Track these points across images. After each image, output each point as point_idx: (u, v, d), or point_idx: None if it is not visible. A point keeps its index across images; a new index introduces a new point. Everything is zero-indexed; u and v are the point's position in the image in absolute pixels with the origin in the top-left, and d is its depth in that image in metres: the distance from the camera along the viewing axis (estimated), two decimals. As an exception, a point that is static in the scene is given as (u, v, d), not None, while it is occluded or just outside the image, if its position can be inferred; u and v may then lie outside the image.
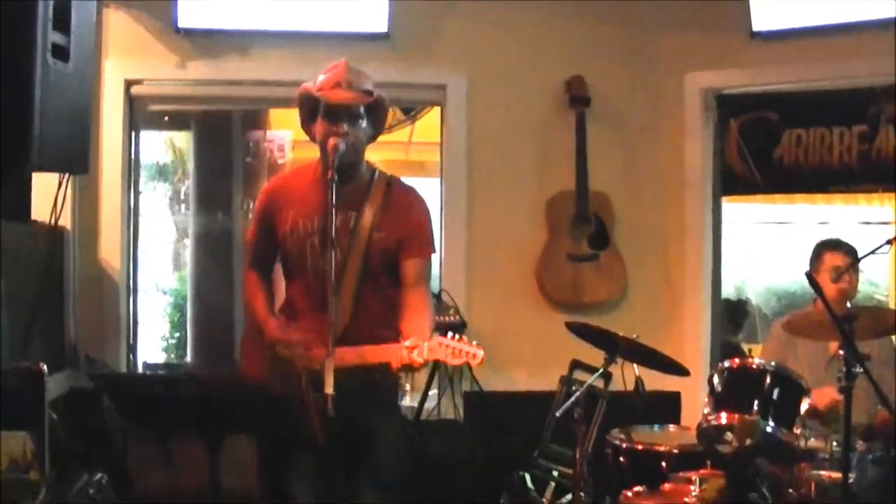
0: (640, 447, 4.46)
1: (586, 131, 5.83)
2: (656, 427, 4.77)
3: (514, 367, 5.79)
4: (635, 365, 4.63)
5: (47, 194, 4.67)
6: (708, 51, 5.90)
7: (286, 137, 7.85)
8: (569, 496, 4.44)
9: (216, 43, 5.84)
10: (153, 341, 8.15)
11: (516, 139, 5.99)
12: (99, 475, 3.93)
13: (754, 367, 4.23)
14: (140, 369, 6.26)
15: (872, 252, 4.64)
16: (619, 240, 5.91)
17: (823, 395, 4.54)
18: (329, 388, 3.41)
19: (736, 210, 7.07)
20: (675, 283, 6.03)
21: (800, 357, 4.93)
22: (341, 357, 3.50)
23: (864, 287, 5.16)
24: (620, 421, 4.63)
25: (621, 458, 4.46)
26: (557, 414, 4.21)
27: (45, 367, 3.64)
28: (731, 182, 5.98)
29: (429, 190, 6.19)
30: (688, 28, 5.87)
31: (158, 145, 8.17)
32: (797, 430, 4.09)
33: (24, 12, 3.78)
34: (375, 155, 4.17)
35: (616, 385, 4.34)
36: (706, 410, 4.15)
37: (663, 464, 4.33)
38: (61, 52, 4.02)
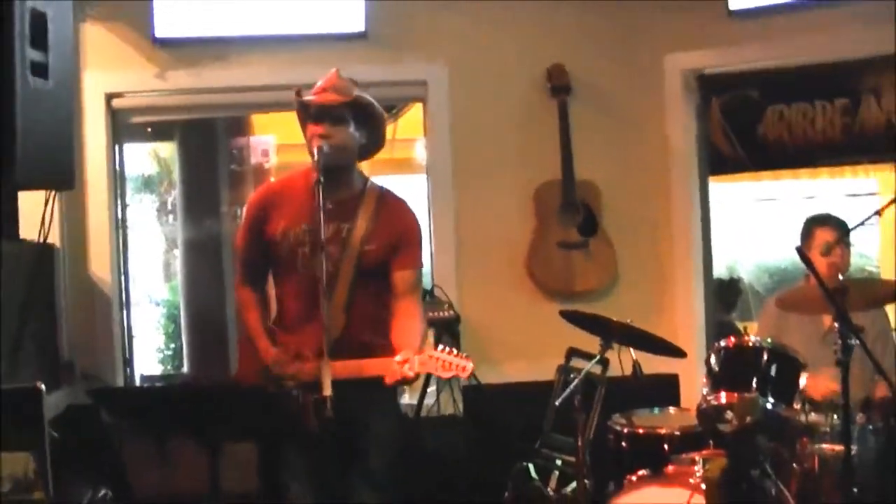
0: (641, 431, 4.47)
1: (569, 119, 5.83)
2: (656, 410, 4.78)
3: (509, 358, 5.81)
4: (632, 349, 4.65)
5: (34, 212, 4.66)
6: (687, 32, 5.90)
7: (270, 142, 7.84)
8: (573, 484, 4.44)
9: (194, 51, 5.83)
10: (148, 353, 8.14)
11: (500, 130, 5.99)
12: (103, 491, 3.93)
13: (750, 344, 4.22)
14: (137, 382, 6.25)
15: (861, 224, 4.65)
16: (608, 226, 5.92)
17: (819, 383, 4.53)
18: (327, 391, 3.42)
19: (723, 190, 7.08)
20: (666, 265, 6.04)
21: (794, 333, 4.93)
22: (337, 371, 3.52)
23: (855, 259, 5.16)
24: (620, 406, 4.64)
25: (623, 443, 4.47)
26: (557, 403, 4.21)
27: (42, 386, 3.63)
28: (717, 162, 5.99)
29: (414, 186, 6.22)
30: (666, 10, 5.87)
31: (143, 157, 8.16)
32: (797, 406, 4.10)
33: (0, 31, 3.77)
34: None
35: (613, 371, 4.35)
36: (705, 391, 4.15)
37: (665, 446, 4.34)
38: (40, 70, 4.01)
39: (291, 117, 6.68)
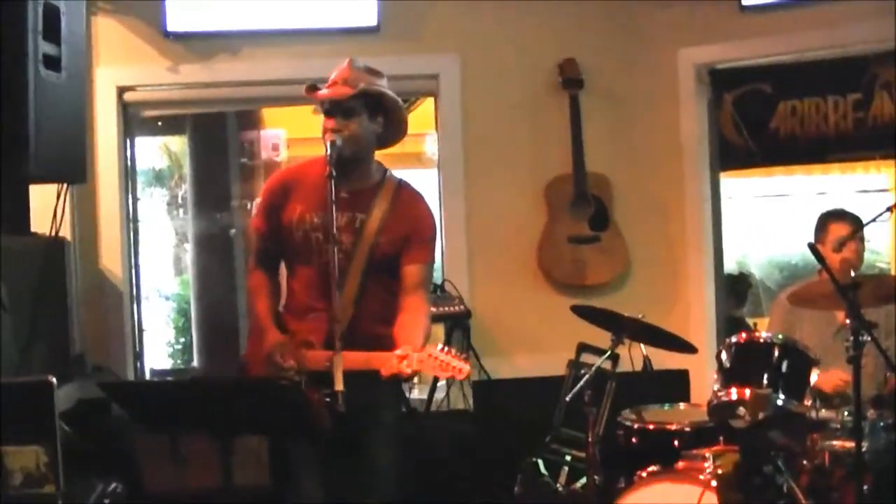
0: (651, 427, 4.45)
1: (581, 113, 5.82)
2: (666, 406, 4.76)
3: (520, 353, 5.82)
4: (642, 345, 4.64)
5: (45, 206, 4.66)
6: (699, 26, 5.89)
7: (281, 136, 7.86)
8: (583, 479, 4.44)
9: (206, 45, 5.83)
10: (159, 347, 8.15)
11: (512, 124, 5.98)
12: (114, 485, 3.93)
13: (762, 340, 4.22)
14: (147, 376, 6.27)
15: (874, 220, 4.64)
16: (620, 220, 5.91)
17: (830, 377, 4.54)
18: (339, 385, 3.43)
19: (734, 185, 7.07)
20: (678, 259, 6.03)
21: (806, 328, 4.94)
22: (346, 362, 3.52)
23: (866, 255, 5.15)
24: (630, 401, 4.62)
25: (633, 439, 4.45)
26: (567, 398, 4.22)
27: (53, 380, 3.64)
28: (729, 156, 5.97)
29: (425, 181, 6.21)
30: (678, 4, 5.86)
31: (154, 151, 8.17)
32: (808, 402, 4.09)
33: (14, 25, 3.78)
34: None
35: (624, 366, 4.35)
36: (716, 387, 4.14)
37: (676, 442, 4.32)
38: (53, 63, 4.02)
39: (302, 111, 6.74)
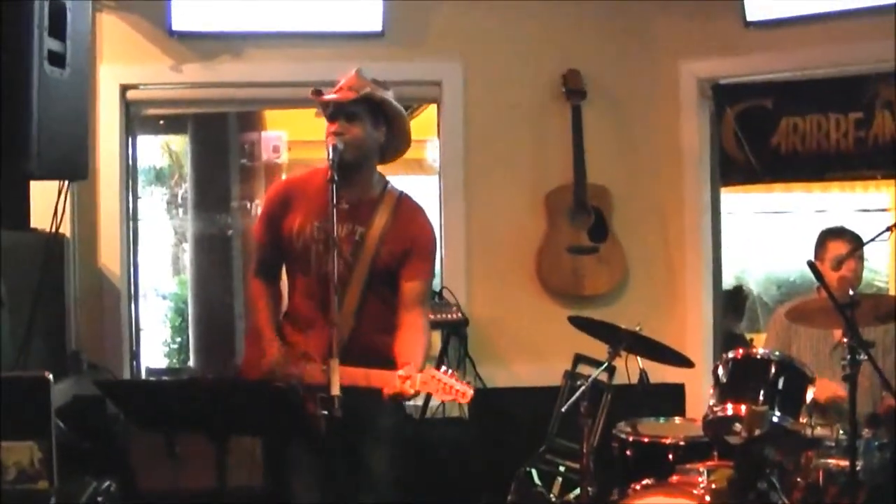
0: (646, 440, 4.46)
1: (583, 124, 5.83)
2: (662, 419, 4.77)
3: (516, 361, 5.82)
4: (639, 357, 4.64)
5: (45, 202, 4.66)
6: (703, 40, 5.90)
7: (282, 138, 7.84)
8: (577, 491, 4.44)
9: (210, 45, 5.83)
10: (155, 346, 8.14)
11: (514, 133, 5.98)
12: (107, 483, 3.92)
13: (759, 356, 4.22)
14: (143, 375, 6.26)
15: (873, 239, 4.64)
16: (619, 231, 5.91)
17: (824, 387, 4.55)
18: (336, 390, 3.42)
19: (734, 200, 7.08)
20: (676, 273, 6.03)
21: (803, 345, 4.94)
22: (342, 378, 3.51)
23: (864, 274, 5.15)
24: (625, 414, 4.63)
25: (628, 451, 4.46)
26: (563, 409, 4.22)
27: (50, 376, 3.63)
28: (729, 171, 5.97)
29: (425, 187, 6.22)
30: (683, 18, 5.88)
31: (154, 150, 8.16)
32: (803, 419, 4.09)
33: (19, 20, 3.77)
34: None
35: (620, 378, 4.35)
36: (712, 402, 4.15)
37: (670, 455, 4.33)
38: (57, 59, 4.00)
39: (304, 114, 6.73)
